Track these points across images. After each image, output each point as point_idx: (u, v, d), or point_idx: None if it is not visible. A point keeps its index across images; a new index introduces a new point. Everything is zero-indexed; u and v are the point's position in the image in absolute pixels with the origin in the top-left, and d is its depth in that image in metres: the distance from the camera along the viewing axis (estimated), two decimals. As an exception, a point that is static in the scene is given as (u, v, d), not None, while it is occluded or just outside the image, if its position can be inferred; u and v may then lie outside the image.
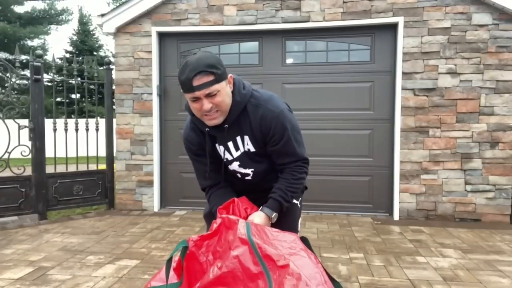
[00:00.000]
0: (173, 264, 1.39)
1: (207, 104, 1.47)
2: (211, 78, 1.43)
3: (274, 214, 1.61)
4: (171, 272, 1.38)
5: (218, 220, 1.40)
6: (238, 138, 1.64)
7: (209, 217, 1.76)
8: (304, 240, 1.43)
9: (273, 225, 1.59)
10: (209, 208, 1.79)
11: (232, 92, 1.56)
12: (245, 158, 1.68)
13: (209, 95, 1.45)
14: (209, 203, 1.78)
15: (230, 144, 1.66)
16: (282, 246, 1.29)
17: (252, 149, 1.65)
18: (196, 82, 1.42)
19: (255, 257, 1.24)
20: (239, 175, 1.76)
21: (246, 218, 1.52)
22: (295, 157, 1.65)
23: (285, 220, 1.68)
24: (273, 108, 1.58)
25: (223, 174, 1.75)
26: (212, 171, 1.72)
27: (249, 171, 1.72)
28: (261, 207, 1.62)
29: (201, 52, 1.56)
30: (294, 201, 1.76)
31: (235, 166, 1.71)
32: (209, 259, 1.36)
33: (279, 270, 1.20)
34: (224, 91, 1.49)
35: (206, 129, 1.61)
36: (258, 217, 1.56)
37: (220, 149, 1.69)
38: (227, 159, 1.70)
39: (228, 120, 1.57)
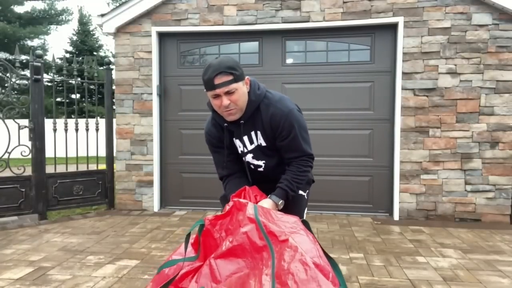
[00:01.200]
0: (191, 240, 1.64)
1: (226, 101, 1.69)
2: (230, 78, 1.66)
3: (281, 201, 1.80)
4: (189, 247, 1.63)
5: (230, 203, 1.61)
6: (252, 133, 1.85)
7: (224, 200, 1.94)
8: (304, 222, 1.61)
9: (281, 211, 1.75)
10: (225, 194, 1.97)
11: (248, 92, 1.77)
12: (258, 151, 1.89)
13: (228, 93, 1.68)
14: (225, 190, 1.98)
15: (245, 138, 1.86)
16: (284, 226, 1.49)
17: (264, 144, 1.86)
18: (217, 81, 1.65)
19: (260, 233, 1.46)
20: (252, 166, 1.96)
21: (256, 203, 1.68)
22: (301, 152, 1.83)
23: (292, 208, 1.83)
24: (282, 107, 1.78)
25: (240, 165, 1.97)
26: (229, 161, 1.95)
27: (261, 163, 1.93)
28: (270, 195, 1.81)
29: (222, 56, 1.83)
30: (301, 192, 1.97)
31: (249, 158, 1.92)
32: (222, 236, 1.58)
33: (280, 244, 1.41)
34: (241, 91, 1.71)
35: (225, 124, 1.84)
36: (266, 203, 1.75)
37: (237, 142, 1.90)
38: (242, 151, 1.91)
39: (244, 116, 1.78)
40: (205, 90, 1.71)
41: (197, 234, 1.62)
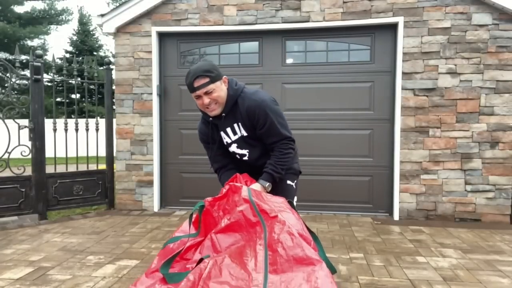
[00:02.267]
0: (192, 220, 1.89)
1: (206, 100, 1.94)
2: (207, 80, 1.90)
3: (268, 184, 2.04)
4: (191, 226, 1.88)
5: (226, 187, 1.88)
6: (235, 125, 2.07)
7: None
8: (290, 203, 1.85)
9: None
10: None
11: (227, 89, 2.01)
12: (241, 141, 2.12)
13: (207, 93, 1.93)
14: (220, 181, 2.22)
15: (229, 129, 2.10)
16: (273, 205, 1.75)
17: (245, 134, 2.08)
18: (196, 84, 1.90)
19: (254, 211, 1.72)
20: (238, 156, 2.19)
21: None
22: (279, 136, 2.04)
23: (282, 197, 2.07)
24: (256, 98, 2.01)
25: (230, 158, 2.22)
26: (219, 155, 2.21)
27: (245, 151, 2.15)
28: (258, 179, 2.05)
29: (201, 61, 1.97)
30: (289, 182, 2.20)
31: (234, 148, 2.16)
32: (220, 215, 1.85)
33: (271, 219, 1.67)
34: (219, 89, 1.95)
35: (210, 119, 2.08)
36: (256, 186, 1.99)
37: (222, 135, 2.13)
38: (227, 142, 2.15)
39: (224, 110, 2.02)
40: (190, 92, 1.96)
41: (198, 214, 1.89)
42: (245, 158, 2.17)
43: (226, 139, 2.13)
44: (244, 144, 2.11)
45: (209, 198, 1.90)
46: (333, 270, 1.60)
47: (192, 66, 1.95)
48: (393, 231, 3.95)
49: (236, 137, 2.10)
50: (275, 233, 1.60)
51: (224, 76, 2.00)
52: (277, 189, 2.09)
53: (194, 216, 1.90)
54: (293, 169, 2.22)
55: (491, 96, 4.23)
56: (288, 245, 1.55)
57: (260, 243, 1.61)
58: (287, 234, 1.58)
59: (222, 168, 2.23)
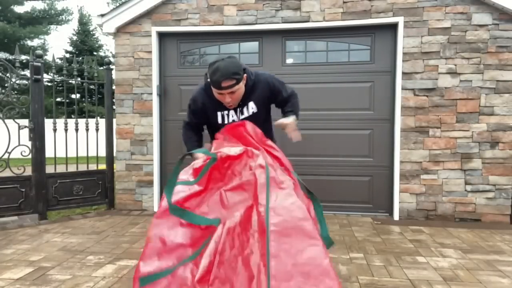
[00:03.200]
0: (195, 166, 1.95)
1: (228, 98, 2.16)
2: (234, 82, 2.09)
3: (296, 117, 2.39)
4: (189, 172, 1.94)
5: (241, 149, 1.94)
6: (249, 105, 2.32)
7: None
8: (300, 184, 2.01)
9: None
10: (184, 139, 2.50)
11: (246, 82, 2.22)
12: (250, 118, 2.32)
13: (230, 92, 2.13)
14: (183, 138, 2.50)
15: (245, 109, 2.32)
16: (283, 178, 1.86)
17: (255, 111, 2.34)
18: (224, 84, 2.08)
19: (265, 176, 1.81)
20: None
21: (260, 141, 2.10)
22: (289, 91, 2.44)
23: None
24: (267, 77, 2.36)
25: (200, 132, 2.52)
26: (196, 125, 2.48)
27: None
28: (286, 113, 2.38)
29: (227, 58, 2.10)
30: None
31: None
32: (228, 173, 1.91)
33: (277, 185, 1.80)
34: (241, 89, 2.18)
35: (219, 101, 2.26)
36: (291, 118, 2.34)
37: (218, 114, 2.33)
38: (234, 119, 2.33)
39: (240, 101, 2.26)
40: (212, 86, 2.12)
41: (204, 164, 1.93)
42: None
43: (232, 117, 2.33)
44: (251, 119, 2.31)
45: (223, 154, 1.92)
46: (330, 243, 1.79)
47: (220, 62, 2.06)
48: (393, 231, 3.95)
49: (244, 115, 2.34)
50: (277, 189, 1.77)
51: (244, 74, 2.18)
52: None
53: (198, 164, 1.94)
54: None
55: (491, 96, 4.23)
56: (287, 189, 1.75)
57: (262, 197, 1.73)
58: (288, 194, 1.75)
59: (195, 134, 2.49)
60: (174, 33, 4.85)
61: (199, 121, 2.44)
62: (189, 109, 2.43)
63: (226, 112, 2.32)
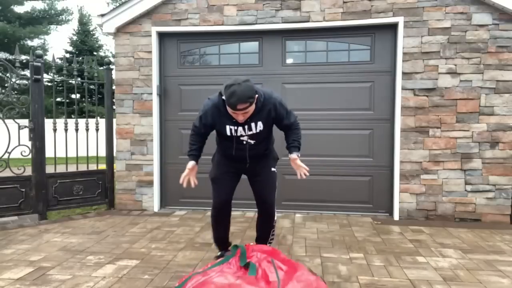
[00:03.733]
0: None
1: (241, 116, 2.44)
2: (248, 104, 2.37)
3: (299, 153, 2.69)
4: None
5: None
6: (257, 123, 2.58)
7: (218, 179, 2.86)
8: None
9: (259, 184, 2.82)
10: (190, 140, 2.77)
11: (256, 102, 2.47)
12: (255, 134, 2.63)
13: (244, 112, 2.41)
14: (190, 140, 2.77)
15: (252, 125, 2.58)
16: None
17: (262, 128, 2.61)
18: (239, 106, 2.36)
19: None
20: (243, 141, 2.65)
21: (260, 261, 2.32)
22: (292, 119, 2.71)
23: (269, 184, 2.81)
24: (274, 98, 2.63)
25: (204, 140, 2.78)
26: (203, 134, 2.72)
27: (252, 141, 2.66)
28: (291, 152, 2.67)
29: (243, 83, 2.35)
30: (273, 169, 2.84)
31: (245, 138, 2.64)
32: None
33: None
34: (252, 109, 2.45)
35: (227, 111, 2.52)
36: (295, 154, 2.66)
37: (227, 128, 2.59)
38: (241, 134, 2.61)
39: (249, 117, 2.52)
40: (227, 105, 2.40)
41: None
42: (249, 143, 2.66)
43: (240, 132, 2.59)
44: (256, 136, 2.63)
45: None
46: None
47: (237, 87, 2.32)
48: (393, 231, 3.95)
49: (252, 132, 2.60)
50: None
51: (256, 95, 2.43)
52: (264, 175, 2.79)
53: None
54: (275, 156, 2.91)
55: (491, 96, 4.23)
56: None
57: None
58: None
59: (199, 141, 2.75)
60: (174, 33, 4.85)
61: (206, 131, 2.71)
62: (200, 120, 2.66)
63: (234, 127, 2.57)
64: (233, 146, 2.68)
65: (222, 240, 2.99)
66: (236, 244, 2.46)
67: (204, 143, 2.78)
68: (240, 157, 2.71)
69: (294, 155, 2.67)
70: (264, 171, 2.79)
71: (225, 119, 2.55)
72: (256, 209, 2.92)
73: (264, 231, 2.95)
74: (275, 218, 2.94)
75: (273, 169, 2.81)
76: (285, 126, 2.71)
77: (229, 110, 2.42)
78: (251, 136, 2.63)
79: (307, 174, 2.62)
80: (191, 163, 2.71)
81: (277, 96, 2.67)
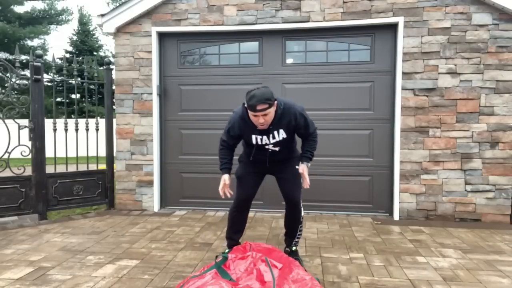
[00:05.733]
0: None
1: (261, 119, 2.59)
2: (266, 106, 2.53)
3: (310, 164, 2.92)
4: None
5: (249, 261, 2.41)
6: (280, 130, 2.76)
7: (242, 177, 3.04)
8: None
9: (284, 181, 2.98)
10: (220, 155, 2.97)
11: (276, 110, 2.66)
12: (279, 142, 2.82)
13: (264, 114, 2.56)
14: (219, 154, 2.96)
15: (273, 134, 2.76)
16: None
17: (285, 136, 2.79)
18: (259, 107, 2.52)
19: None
20: (268, 149, 2.85)
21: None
22: (311, 130, 2.89)
23: (295, 180, 2.96)
24: (295, 108, 2.79)
25: (233, 151, 2.98)
26: (232, 146, 2.94)
27: (277, 148, 2.86)
28: (302, 160, 2.90)
29: (262, 88, 2.58)
30: (297, 166, 2.93)
31: (270, 146, 2.83)
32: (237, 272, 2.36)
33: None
34: (272, 112, 2.61)
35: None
36: (304, 165, 2.87)
37: (258, 137, 2.78)
38: (266, 143, 2.80)
39: (271, 124, 2.70)
40: (248, 109, 2.59)
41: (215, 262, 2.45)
42: (273, 150, 2.86)
43: (265, 141, 2.79)
44: (279, 143, 2.82)
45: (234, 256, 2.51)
46: None
47: (256, 91, 2.54)
48: (393, 231, 3.95)
49: (276, 140, 2.79)
50: None
51: (275, 101, 2.62)
52: (288, 174, 2.95)
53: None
54: (298, 155, 3.02)
55: (491, 96, 4.23)
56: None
57: None
58: None
59: (228, 154, 2.95)
60: (174, 33, 4.85)
61: (234, 142, 2.92)
62: (227, 133, 2.87)
63: (259, 136, 2.77)
64: (252, 152, 2.89)
65: (233, 237, 3.11)
66: (225, 255, 2.53)
67: (233, 155, 2.96)
68: (260, 160, 2.92)
69: (303, 165, 2.86)
70: (289, 170, 2.96)
71: (251, 129, 2.74)
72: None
73: (292, 226, 3.08)
74: (302, 214, 3.05)
75: (297, 167, 2.94)
76: (303, 135, 2.90)
77: (251, 115, 2.59)
78: (275, 144, 2.81)
79: (306, 187, 2.87)
80: (226, 176, 2.90)
81: (299, 106, 2.80)
